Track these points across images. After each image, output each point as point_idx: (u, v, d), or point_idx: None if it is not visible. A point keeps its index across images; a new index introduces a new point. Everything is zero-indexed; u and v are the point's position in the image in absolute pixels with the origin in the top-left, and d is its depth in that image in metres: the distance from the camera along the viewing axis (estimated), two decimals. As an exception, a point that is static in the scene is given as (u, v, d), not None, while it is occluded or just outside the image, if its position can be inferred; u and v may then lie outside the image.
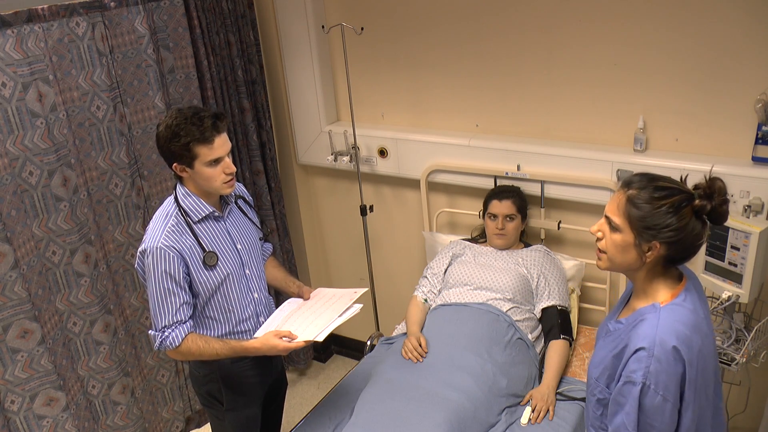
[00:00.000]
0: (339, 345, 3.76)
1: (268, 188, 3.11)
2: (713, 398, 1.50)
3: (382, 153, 2.99)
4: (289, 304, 2.16)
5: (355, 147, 2.94)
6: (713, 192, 1.39)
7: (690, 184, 1.44)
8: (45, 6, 2.13)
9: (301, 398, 3.42)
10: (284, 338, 1.93)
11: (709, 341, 1.44)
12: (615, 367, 1.46)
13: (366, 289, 2.20)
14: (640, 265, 1.45)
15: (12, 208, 2.12)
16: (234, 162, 2.91)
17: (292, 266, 3.32)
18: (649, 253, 1.42)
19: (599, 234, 1.49)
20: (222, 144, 1.85)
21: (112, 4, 2.34)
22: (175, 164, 1.87)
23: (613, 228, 1.45)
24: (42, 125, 2.17)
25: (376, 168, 3.05)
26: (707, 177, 1.42)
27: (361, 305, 2.08)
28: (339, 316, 2.02)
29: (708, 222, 1.42)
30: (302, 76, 3.04)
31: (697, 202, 1.39)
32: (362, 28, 2.69)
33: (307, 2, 2.88)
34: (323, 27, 2.86)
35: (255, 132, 2.99)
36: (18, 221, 2.15)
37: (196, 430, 3.03)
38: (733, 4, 2.15)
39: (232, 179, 1.90)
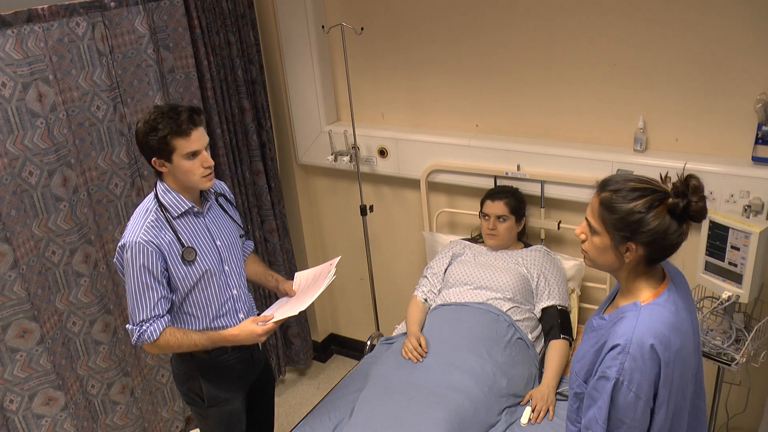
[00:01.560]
0: (339, 345, 3.76)
1: (268, 188, 3.11)
2: (693, 399, 1.51)
3: (382, 153, 2.99)
4: (279, 302, 2.21)
5: (355, 147, 2.94)
6: (686, 189, 1.37)
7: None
8: (45, 6, 2.14)
9: (301, 398, 3.42)
10: (260, 323, 1.97)
11: (689, 342, 1.44)
12: (594, 362, 1.47)
13: (339, 257, 2.26)
14: (620, 265, 1.46)
15: (12, 208, 2.12)
16: (234, 162, 2.92)
17: (292, 266, 3.32)
18: (627, 254, 1.42)
19: (582, 236, 1.51)
20: (199, 137, 1.87)
21: (112, 4, 2.34)
22: (154, 159, 1.89)
23: (592, 231, 1.46)
24: (42, 125, 2.17)
25: (376, 168, 3.05)
26: (680, 175, 1.40)
27: (335, 269, 2.15)
28: (319, 289, 2.10)
29: (689, 219, 1.39)
30: (302, 76, 3.05)
31: (670, 200, 1.37)
32: (362, 28, 2.69)
33: (307, 2, 2.88)
34: (323, 27, 2.86)
35: (255, 132, 2.99)
36: (18, 221, 2.15)
37: (196, 430, 3.03)
38: (733, 4, 2.15)
39: (210, 173, 1.93)
